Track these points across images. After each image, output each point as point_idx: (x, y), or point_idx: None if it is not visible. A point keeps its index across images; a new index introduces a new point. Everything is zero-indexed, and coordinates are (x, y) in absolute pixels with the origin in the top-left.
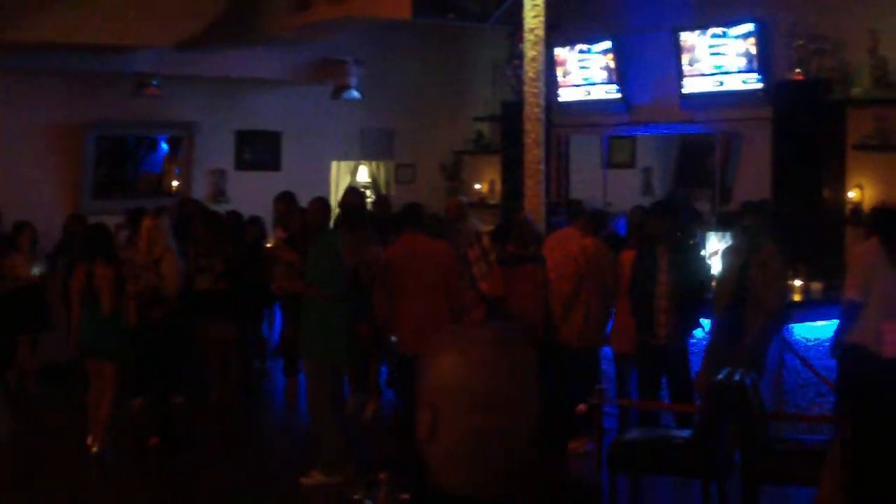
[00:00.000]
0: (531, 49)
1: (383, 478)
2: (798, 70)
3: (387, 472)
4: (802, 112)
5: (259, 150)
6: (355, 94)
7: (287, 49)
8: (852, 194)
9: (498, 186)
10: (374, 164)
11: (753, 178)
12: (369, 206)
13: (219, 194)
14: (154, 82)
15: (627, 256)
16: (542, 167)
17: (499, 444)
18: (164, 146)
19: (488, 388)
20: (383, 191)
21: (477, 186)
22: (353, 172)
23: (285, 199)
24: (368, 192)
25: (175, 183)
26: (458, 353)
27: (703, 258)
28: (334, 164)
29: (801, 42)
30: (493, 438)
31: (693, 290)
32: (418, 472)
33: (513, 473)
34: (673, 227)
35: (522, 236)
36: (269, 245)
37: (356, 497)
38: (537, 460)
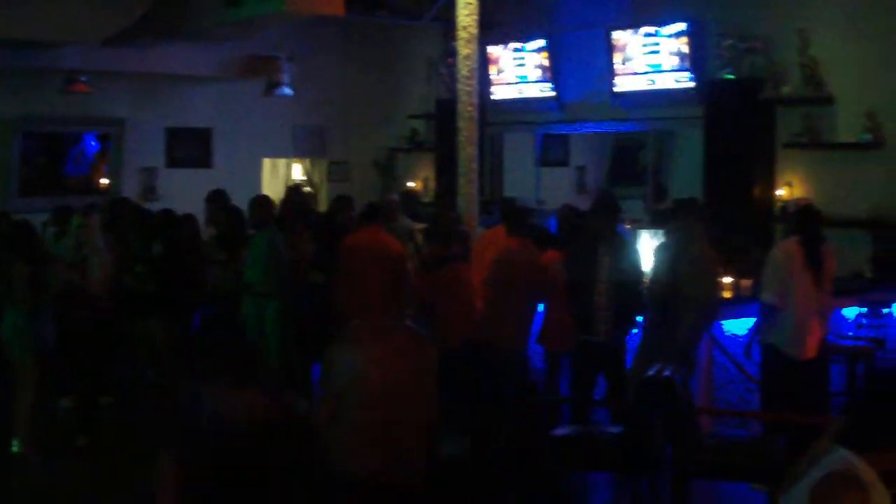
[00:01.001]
0: (464, 47)
1: None
2: (729, 69)
3: None
4: (733, 111)
5: (190, 147)
6: (287, 90)
7: (218, 45)
8: (781, 192)
9: (432, 184)
10: (307, 161)
11: (686, 175)
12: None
13: (149, 192)
14: (83, 78)
15: (554, 255)
16: (476, 165)
17: (395, 435)
18: (94, 143)
19: (389, 383)
20: (318, 188)
21: (411, 184)
22: (287, 170)
23: (217, 198)
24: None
25: (104, 181)
26: (364, 347)
27: (638, 255)
28: (267, 162)
29: (731, 41)
30: (390, 429)
31: (631, 288)
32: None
33: (407, 462)
34: (612, 223)
35: (445, 236)
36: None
37: None
38: (433, 452)
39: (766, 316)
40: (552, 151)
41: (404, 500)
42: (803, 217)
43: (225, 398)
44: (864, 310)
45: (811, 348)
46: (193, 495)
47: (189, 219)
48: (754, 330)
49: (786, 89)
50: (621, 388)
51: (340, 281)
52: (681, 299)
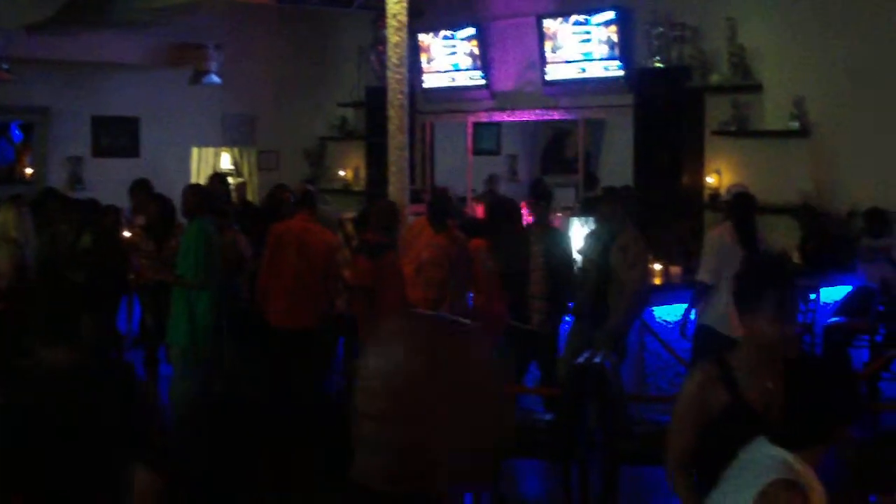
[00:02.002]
0: (394, 35)
1: None
2: (658, 58)
3: None
4: (662, 99)
5: (117, 136)
6: (215, 79)
7: (144, 32)
8: (711, 179)
9: (363, 173)
10: (235, 150)
11: (617, 163)
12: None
13: (76, 182)
14: (4, 66)
15: (479, 244)
16: (406, 154)
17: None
18: (18, 132)
19: (426, 379)
20: (246, 177)
21: (341, 173)
22: (216, 159)
23: (140, 188)
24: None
25: (29, 170)
26: (397, 343)
27: (570, 243)
28: (195, 151)
29: (661, 30)
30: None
31: (563, 275)
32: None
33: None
34: (546, 211)
35: (381, 223)
36: (126, 234)
37: None
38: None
39: (702, 296)
40: (484, 140)
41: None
42: (737, 203)
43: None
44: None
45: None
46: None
47: (111, 209)
48: (689, 309)
49: (714, 77)
50: (553, 376)
51: (267, 267)
52: (611, 286)
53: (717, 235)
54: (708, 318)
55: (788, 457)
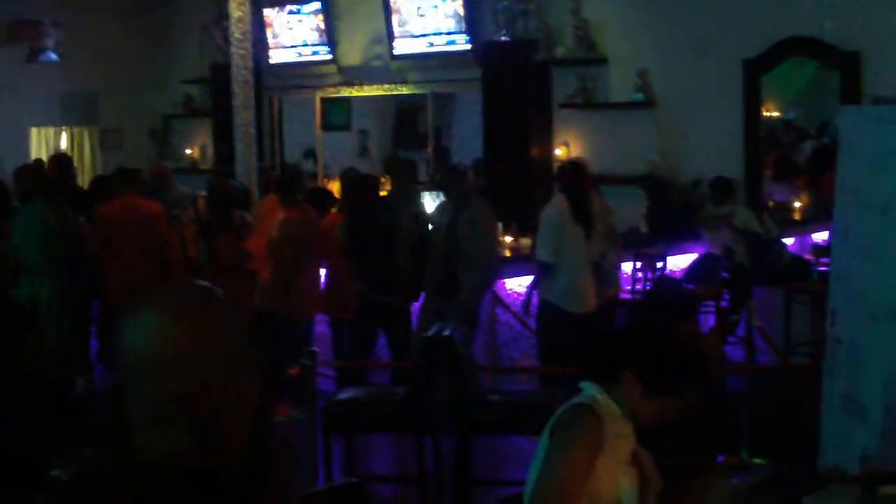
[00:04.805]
0: (237, 10)
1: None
2: (504, 31)
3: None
4: (510, 72)
5: None
6: (53, 56)
7: None
8: (559, 152)
9: (210, 151)
10: (76, 129)
11: (467, 137)
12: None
13: None
14: None
15: (335, 218)
16: (254, 130)
17: (193, 410)
18: None
19: (175, 353)
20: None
21: (188, 151)
22: (56, 139)
23: None
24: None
25: None
26: (144, 317)
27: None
28: (35, 131)
29: (506, 3)
30: (185, 405)
31: (418, 248)
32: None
33: (214, 439)
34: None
35: (216, 202)
36: None
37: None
38: (245, 423)
39: (542, 273)
40: (333, 115)
41: (218, 477)
42: (568, 173)
43: None
44: (640, 263)
45: (589, 301)
46: None
47: None
48: (532, 286)
49: (559, 50)
50: (405, 350)
51: (102, 249)
52: (460, 259)
53: (554, 211)
54: (549, 294)
55: (595, 390)
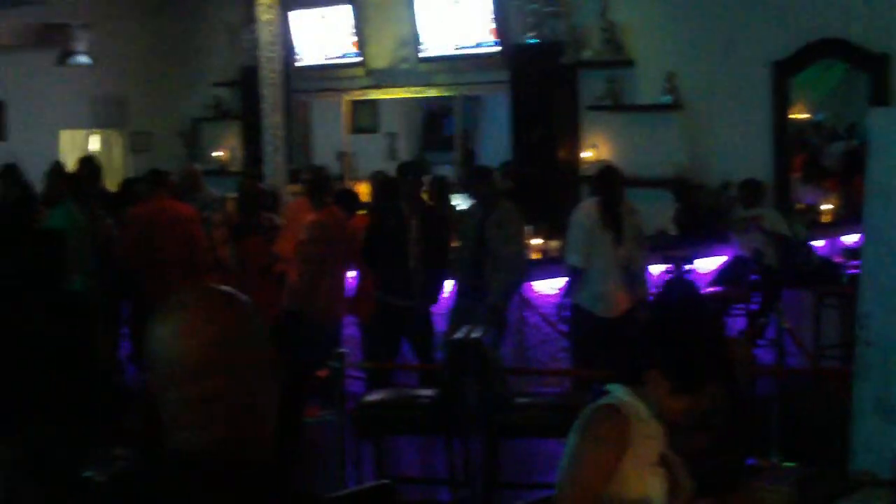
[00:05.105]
0: (266, 12)
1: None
2: (532, 34)
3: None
4: (538, 75)
5: None
6: (84, 59)
7: (7, 12)
8: (587, 154)
9: (239, 153)
10: (106, 132)
11: (495, 140)
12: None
13: None
14: None
15: (363, 221)
16: (282, 133)
17: (222, 410)
18: None
19: (201, 356)
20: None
21: (217, 154)
22: (85, 142)
23: (8, 173)
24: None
25: None
26: (170, 321)
27: (447, 219)
28: (66, 134)
29: (534, 6)
30: (214, 405)
31: (441, 251)
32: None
33: (242, 439)
34: (419, 187)
35: (246, 205)
36: None
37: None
38: (272, 424)
39: (572, 277)
40: (362, 118)
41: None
42: (601, 178)
43: None
44: (669, 266)
45: (619, 306)
46: None
47: None
48: (564, 291)
49: (587, 53)
50: (429, 352)
51: (132, 252)
52: (488, 262)
53: (582, 214)
54: (580, 298)
55: (622, 392)
